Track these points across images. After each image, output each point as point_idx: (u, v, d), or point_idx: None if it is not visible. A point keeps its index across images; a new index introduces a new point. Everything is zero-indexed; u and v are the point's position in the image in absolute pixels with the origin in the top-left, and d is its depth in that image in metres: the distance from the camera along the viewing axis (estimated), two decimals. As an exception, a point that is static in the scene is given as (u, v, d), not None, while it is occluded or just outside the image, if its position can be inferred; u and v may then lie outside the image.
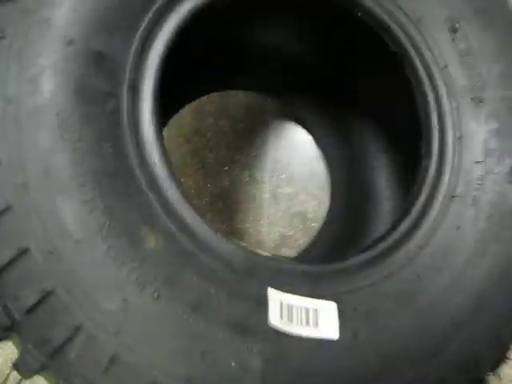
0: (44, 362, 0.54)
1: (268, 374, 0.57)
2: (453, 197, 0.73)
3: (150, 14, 0.64)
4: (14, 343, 0.57)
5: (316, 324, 0.61)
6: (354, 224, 1.16)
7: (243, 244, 0.64)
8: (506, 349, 0.70)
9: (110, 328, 0.53)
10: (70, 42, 0.58)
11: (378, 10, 0.76)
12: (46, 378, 0.57)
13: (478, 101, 0.76)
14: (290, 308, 0.61)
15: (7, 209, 0.54)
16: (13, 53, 0.57)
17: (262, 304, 0.60)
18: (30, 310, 0.54)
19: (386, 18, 0.76)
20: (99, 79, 0.60)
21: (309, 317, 0.61)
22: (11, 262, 0.54)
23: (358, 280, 0.66)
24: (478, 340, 0.66)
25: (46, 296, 0.54)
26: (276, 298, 0.61)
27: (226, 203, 1.34)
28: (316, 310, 0.62)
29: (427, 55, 0.76)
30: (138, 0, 0.63)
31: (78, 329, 0.54)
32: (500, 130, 0.75)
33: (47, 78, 0.57)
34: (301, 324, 0.61)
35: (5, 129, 0.55)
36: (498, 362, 0.69)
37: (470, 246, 0.70)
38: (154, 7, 0.64)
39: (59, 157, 0.55)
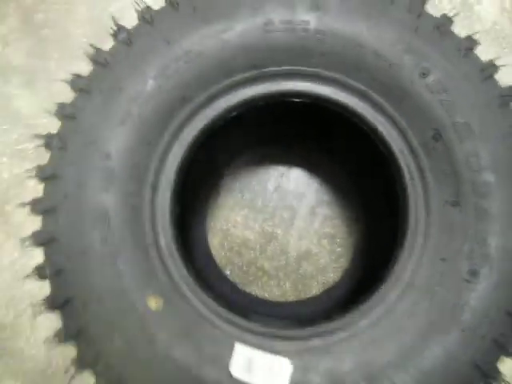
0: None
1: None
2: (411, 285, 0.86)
3: (171, 129, 0.85)
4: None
5: (270, 377, 0.82)
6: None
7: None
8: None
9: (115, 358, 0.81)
10: (108, 155, 0.81)
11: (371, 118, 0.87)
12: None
13: (451, 205, 0.86)
14: (251, 359, 0.82)
15: (60, 271, 0.82)
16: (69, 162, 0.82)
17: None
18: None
19: (380, 127, 0.88)
20: (129, 182, 0.83)
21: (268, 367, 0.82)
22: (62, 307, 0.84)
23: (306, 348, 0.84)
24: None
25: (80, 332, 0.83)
26: (241, 350, 0.83)
27: (264, 204, 1.43)
28: (272, 366, 0.82)
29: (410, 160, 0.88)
30: (157, 121, 0.84)
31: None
32: (467, 236, 0.84)
33: (92, 182, 0.82)
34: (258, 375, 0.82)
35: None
36: None
37: (418, 333, 0.83)
38: (175, 123, 0.85)
39: (94, 242, 0.81)
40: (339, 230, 1.42)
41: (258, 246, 1.42)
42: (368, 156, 1.06)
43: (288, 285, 1.40)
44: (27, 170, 0.92)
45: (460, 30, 1.38)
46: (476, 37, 0.94)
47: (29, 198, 1.23)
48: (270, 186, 1.42)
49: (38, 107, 1.49)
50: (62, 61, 1.50)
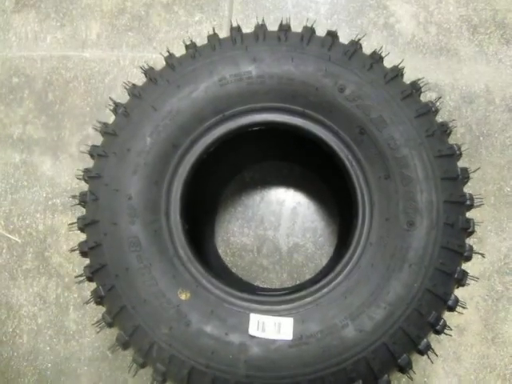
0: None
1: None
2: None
3: (170, 170, 1.15)
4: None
5: (279, 331, 1.10)
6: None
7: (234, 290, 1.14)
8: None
9: (164, 342, 1.09)
10: (129, 197, 1.12)
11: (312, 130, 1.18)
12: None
13: (384, 178, 1.14)
14: (263, 322, 1.10)
15: (113, 287, 1.11)
16: (103, 208, 1.12)
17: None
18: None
19: (320, 134, 1.18)
20: (148, 214, 1.13)
21: (276, 325, 1.10)
22: (117, 314, 1.12)
23: (301, 305, 1.12)
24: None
25: (135, 329, 1.11)
26: (255, 317, 1.11)
27: (254, 213, 1.68)
28: (279, 323, 1.10)
29: (347, 152, 1.18)
30: (158, 166, 1.16)
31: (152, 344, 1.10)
32: (400, 198, 1.13)
33: (122, 219, 1.12)
34: (270, 332, 1.10)
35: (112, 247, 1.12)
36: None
37: (380, 276, 1.11)
38: (171, 165, 1.16)
39: (132, 261, 1.11)
40: (318, 223, 1.68)
41: (254, 248, 1.68)
42: (323, 158, 1.35)
43: (285, 275, 1.65)
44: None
45: (387, 45, 1.76)
46: (382, 51, 1.24)
47: (64, 243, 1.61)
48: (257, 198, 1.71)
49: (59, 169, 1.80)
50: (73, 129, 1.82)
